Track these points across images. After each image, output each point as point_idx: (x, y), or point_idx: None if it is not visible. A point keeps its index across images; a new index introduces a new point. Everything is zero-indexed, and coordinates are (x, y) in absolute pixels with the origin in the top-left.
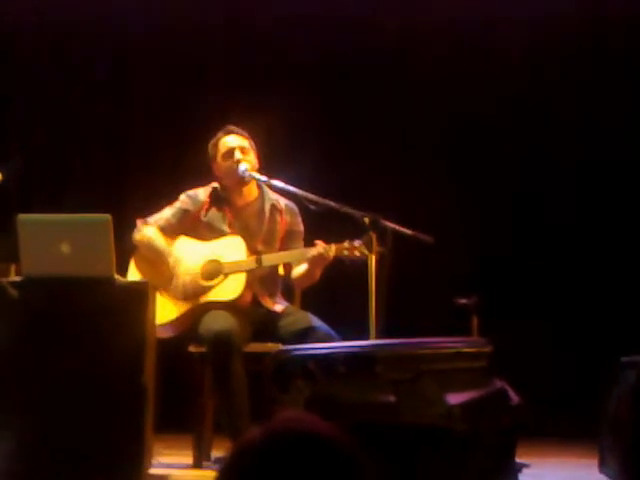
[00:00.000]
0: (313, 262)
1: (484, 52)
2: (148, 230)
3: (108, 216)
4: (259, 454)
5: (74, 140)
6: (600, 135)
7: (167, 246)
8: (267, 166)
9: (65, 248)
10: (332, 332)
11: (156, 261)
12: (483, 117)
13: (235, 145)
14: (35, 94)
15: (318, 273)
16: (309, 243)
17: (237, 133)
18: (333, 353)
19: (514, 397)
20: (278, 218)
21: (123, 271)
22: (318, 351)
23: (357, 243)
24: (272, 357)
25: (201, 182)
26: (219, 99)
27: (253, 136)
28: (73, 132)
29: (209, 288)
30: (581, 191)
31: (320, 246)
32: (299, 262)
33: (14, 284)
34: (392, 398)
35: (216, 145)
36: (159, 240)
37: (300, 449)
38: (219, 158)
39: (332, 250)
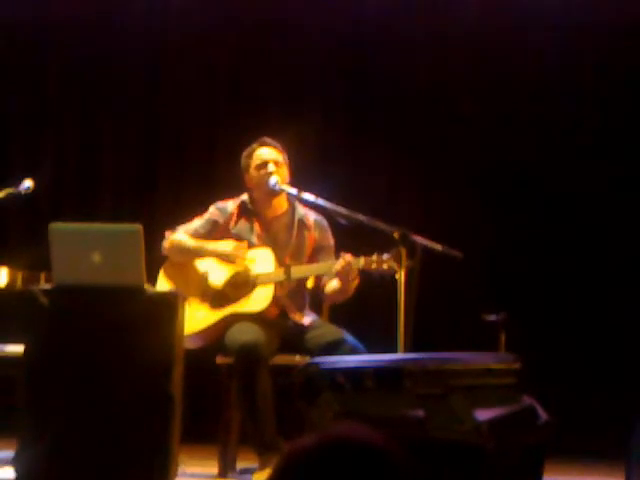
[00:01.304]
0: (340, 274)
1: (515, 66)
2: (177, 235)
3: (139, 226)
4: (313, 460)
5: (106, 149)
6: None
7: (200, 242)
8: (298, 179)
9: (96, 257)
10: (360, 346)
11: (186, 267)
12: (511, 134)
13: (269, 158)
14: (68, 102)
15: (351, 288)
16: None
17: (271, 146)
18: (362, 366)
19: (543, 415)
20: (306, 233)
21: (152, 281)
22: (347, 364)
23: (386, 257)
24: (300, 369)
25: (231, 194)
26: (252, 112)
27: (285, 149)
28: (105, 141)
29: (237, 299)
30: (608, 203)
31: (346, 257)
32: (330, 275)
33: (45, 292)
34: (420, 413)
35: (250, 156)
36: (190, 241)
37: (354, 457)
38: (252, 169)
39: (361, 262)
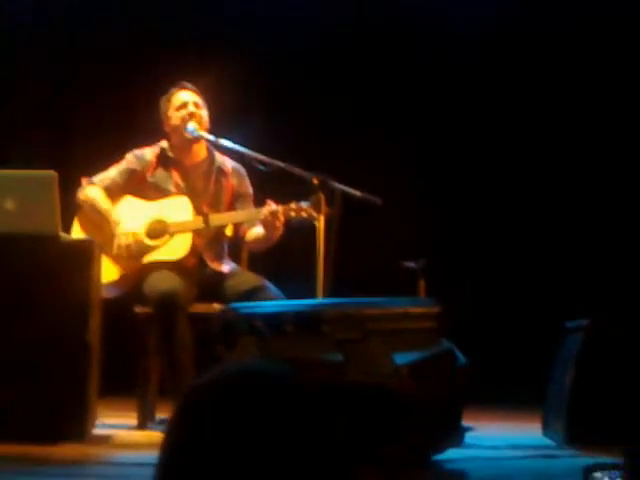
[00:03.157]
0: (266, 222)
1: None
2: (92, 190)
3: (54, 173)
4: (214, 395)
5: (19, 93)
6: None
7: (110, 206)
8: (216, 126)
9: (9, 204)
10: (280, 293)
11: (99, 221)
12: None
13: (189, 100)
14: None
15: (275, 234)
16: (259, 205)
17: (190, 89)
18: (281, 311)
19: (461, 358)
20: (224, 181)
21: (67, 229)
22: (265, 309)
23: (304, 204)
24: (219, 315)
25: (149, 140)
26: (168, 58)
27: (204, 95)
28: (18, 86)
29: (154, 248)
30: (524, 159)
31: (270, 205)
32: (251, 223)
33: None
34: (339, 357)
35: (169, 99)
36: (102, 201)
37: (257, 388)
38: (171, 110)
39: (280, 211)
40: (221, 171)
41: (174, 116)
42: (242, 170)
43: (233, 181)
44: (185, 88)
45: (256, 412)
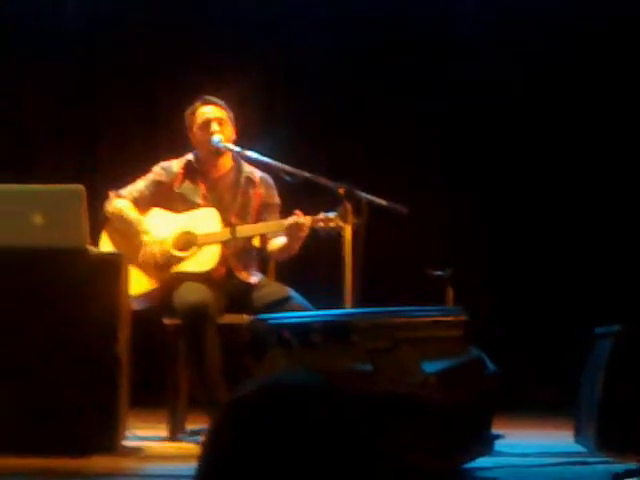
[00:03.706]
0: (290, 232)
1: None
2: (120, 202)
3: (81, 186)
4: (252, 409)
5: (45, 109)
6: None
7: (139, 216)
8: (243, 137)
9: (37, 219)
10: (307, 303)
11: (128, 233)
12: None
13: (212, 117)
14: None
15: (297, 245)
16: (286, 216)
17: (214, 103)
18: (309, 322)
19: (490, 366)
20: (252, 191)
21: (95, 241)
22: (294, 320)
23: (332, 215)
24: (247, 326)
25: (175, 154)
26: (193, 69)
27: (229, 106)
28: (44, 101)
29: (182, 259)
30: (553, 168)
31: (296, 215)
32: (275, 234)
33: None
34: (368, 367)
35: (193, 114)
36: (131, 212)
37: (294, 402)
38: (195, 128)
39: (308, 222)
40: (249, 181)
41: (198, 133)
42: (270, 180)
43: (261, 191)
44: (208, 102)
45: (293, 425)
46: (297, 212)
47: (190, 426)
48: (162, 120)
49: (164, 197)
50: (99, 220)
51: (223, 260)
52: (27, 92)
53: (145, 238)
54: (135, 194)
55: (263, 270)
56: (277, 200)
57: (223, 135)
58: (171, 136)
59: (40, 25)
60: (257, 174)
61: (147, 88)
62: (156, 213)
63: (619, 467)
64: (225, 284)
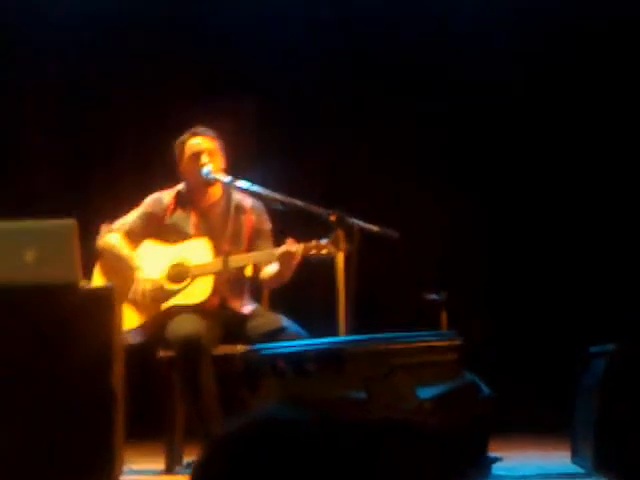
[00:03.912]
0: (282, 261)
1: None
2: (111, 237)
3: (73, 221)
4: (238, 444)
5: (37, 141)
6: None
7: (131, 252)
8: (233, 166)
9: (29, 256)
10: (302, 332)
11: (120, 267)
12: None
13: (202, 148)
14: None
15: (289, 273)
16: (278, 243)
17: (204, 135)
18: (302, 351)
19: (485, 390)
20: (243, 217)
21: (88, 275)
22: (287, 349)
23: (324, 242)
24: (241, 357)
25: (166, 185)
26: (184, 101)
27: (219, 136)
28: (33, 135)
29: (176, 292)
30: (551, 185)
31: (288, 243)
32: (268, 263)
33: None
34: (362, 395)
35: (182, 145)
36: (122, 247)
37: (283, 437)
38: (185, 160)
39: (300, 249)
40: (240, 208)
41: (188, 165)
42: (261, 206)
43: (252, 217)
44: (198, 134)
45: (280, 461)
46: (289, 240)
47: (187, 458)
48: (153, 152)
49: (156, 228)
50: (92, 254)
51: (216, 291)
52: (19, 123)
53: (137, 275)
54: (127, 227)
55: (257, 299)
56: (269, 225)
57: (213, 165)
58: (163, 168)
59: (30, 53)
60: (247, 201)
61: (138, 118)
62: (148, 245)
63: None
64: (219, 315)
